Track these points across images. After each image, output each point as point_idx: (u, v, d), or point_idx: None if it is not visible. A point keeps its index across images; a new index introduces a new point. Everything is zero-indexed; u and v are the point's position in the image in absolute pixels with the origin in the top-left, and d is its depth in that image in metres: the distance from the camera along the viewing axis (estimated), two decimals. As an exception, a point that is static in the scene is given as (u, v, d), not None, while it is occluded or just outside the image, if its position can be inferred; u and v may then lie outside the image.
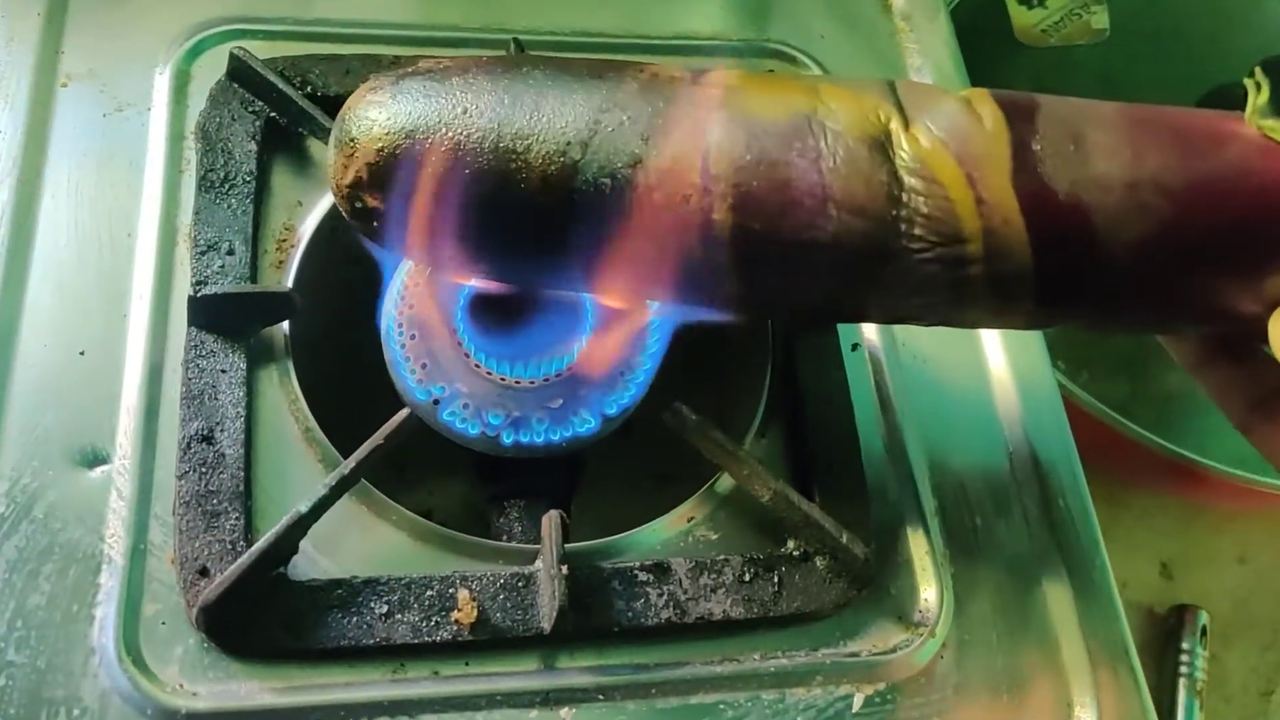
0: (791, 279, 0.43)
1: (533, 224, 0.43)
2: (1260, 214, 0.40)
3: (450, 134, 0.43)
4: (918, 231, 0.41)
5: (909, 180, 0.41)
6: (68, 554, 0.47)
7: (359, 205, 0.45)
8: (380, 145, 0.44)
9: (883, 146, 0.42)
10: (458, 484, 0.63)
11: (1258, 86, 0.42)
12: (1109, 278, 0.41)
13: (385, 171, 0.44)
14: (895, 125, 0.42)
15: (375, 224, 0.45)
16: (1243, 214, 0.40)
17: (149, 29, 0.60)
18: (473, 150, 0.43)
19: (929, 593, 0.52)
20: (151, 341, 0.51)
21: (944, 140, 0.41)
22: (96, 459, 0.49)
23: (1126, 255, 0.40)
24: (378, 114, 0.44)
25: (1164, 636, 0.80)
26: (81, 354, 0.51)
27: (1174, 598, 0.82)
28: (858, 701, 0.49)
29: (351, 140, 0.44)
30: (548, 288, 0.50)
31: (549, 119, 0.43)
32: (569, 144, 0.42)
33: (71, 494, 0.48)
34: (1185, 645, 0.79)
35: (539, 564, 0.49)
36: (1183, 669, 0.78)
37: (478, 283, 0.51)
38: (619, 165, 0.42)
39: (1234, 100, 0.81)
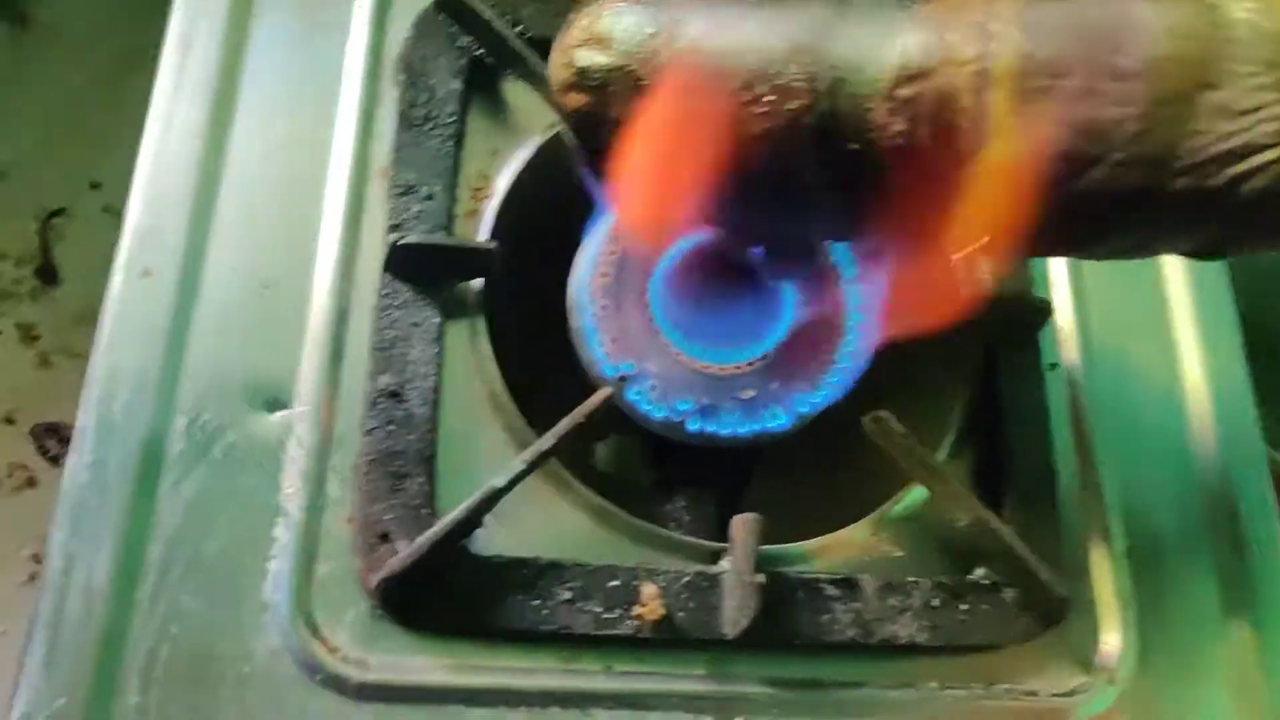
0: (1082, 123, 0.34)
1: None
2: None
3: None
4: (1248, 44, 0.33)
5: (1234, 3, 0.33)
6: (244, 501, 0.42)
7: (583, 64, 0.38)
8: (619, 18, 0.38)
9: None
10: (625, 457, 0.58)
11: None
12: None
13: (624, 37, 0.37)
14: None
15: (593, 99, 0.38)
16: None
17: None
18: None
19: (1112, 636, 0.47)
20: (340, 281, 0.47)
21: None
22: (277, 402, 0.44)
23: None
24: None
25: None
26: (266, 288, 0.46)
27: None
28: (1034, 744, 0.45)
29: (589, 15, 0.38)
30: (790, 232, 0.43)
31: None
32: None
33: (251, 437, 0.44)
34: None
35: (725, 564, 0.44)
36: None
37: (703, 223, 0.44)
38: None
39: None
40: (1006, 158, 0.35)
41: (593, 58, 0.37)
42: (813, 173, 0.37)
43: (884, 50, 0.36)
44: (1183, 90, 0.33)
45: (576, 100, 0.38)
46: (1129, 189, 0.35)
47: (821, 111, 0.36)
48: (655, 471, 0.51)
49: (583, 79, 0.38)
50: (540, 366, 0.49)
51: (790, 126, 0.36)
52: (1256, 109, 0.33)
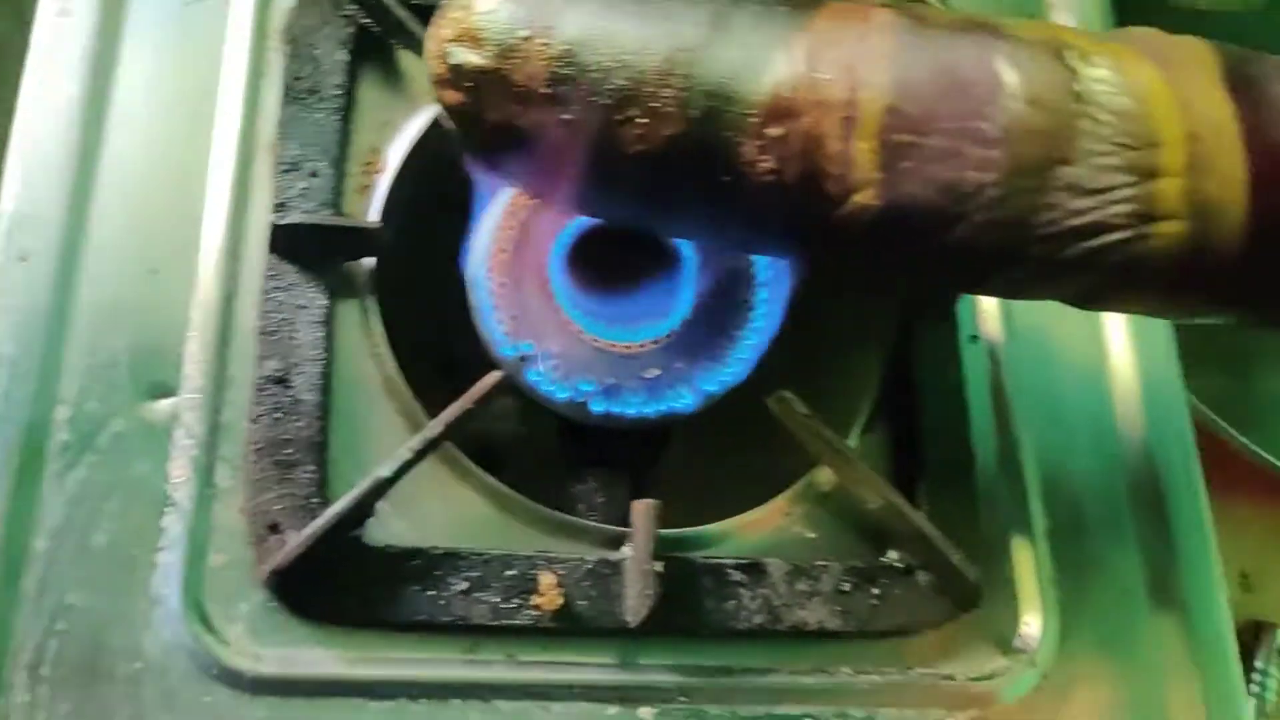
0: (943, 183, 0.37)
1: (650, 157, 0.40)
2: None
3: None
4: (1103, 123, 0.36)
5: (1094, 73, 0.37)
6: (132, 492, 0.46)
7: (457, 63, 0.40)
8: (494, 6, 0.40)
9: (1063, 53, 0.38)
10: (535, 441, 0.61)
11: None
12: None
13: (499, 33, 0.40)
14: (1079, 40, 0.38)
15: (470, 91, 0.41)
16: None
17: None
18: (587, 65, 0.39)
19: (1032, 618, 0.51)
20: (226, 263, 0.50)
21: (1139, 49, 0.37)
22: (164, 389, 0.47)
23: None
24: None
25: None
26: (151, 271, 0.49)
27: (1251, 610, 0.81)
28: (948, 727, 0.49)
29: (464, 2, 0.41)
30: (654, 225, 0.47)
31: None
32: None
33: (137, 425, 0.47)
34: (1258, 664, 0.78)
35: (627, 551, 0.48)
36: (1253, 688, 0.78)
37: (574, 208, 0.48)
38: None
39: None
40: (870, 207, 0.38)
41: (465, 56, 0.40)
42: (688, 190, 0.41)
43: (756, 81, 0.39)
44: (1039, 163, 0.37)
45: (452, 97, 0.41)
46: (992, 248, 0.39)
47: (694, 138, 0.39)
48: (565, 453, 0.55)
49: (456, 77, 0.40)
50: (442, 348, 0.52)
51: (664, 149, 0.39)
52: (1107, 189, 0.36)
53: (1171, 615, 0.53)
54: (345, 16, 0.54)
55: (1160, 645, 0.52)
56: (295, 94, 0.52)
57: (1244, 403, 0.83)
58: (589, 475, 0.54)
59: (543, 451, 0.55)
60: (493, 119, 0.40)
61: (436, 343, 0.52)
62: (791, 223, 0.40)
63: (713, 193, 0.40)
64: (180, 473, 0.46)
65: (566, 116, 0.40)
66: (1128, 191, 0.36)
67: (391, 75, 0.55)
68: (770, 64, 0.39)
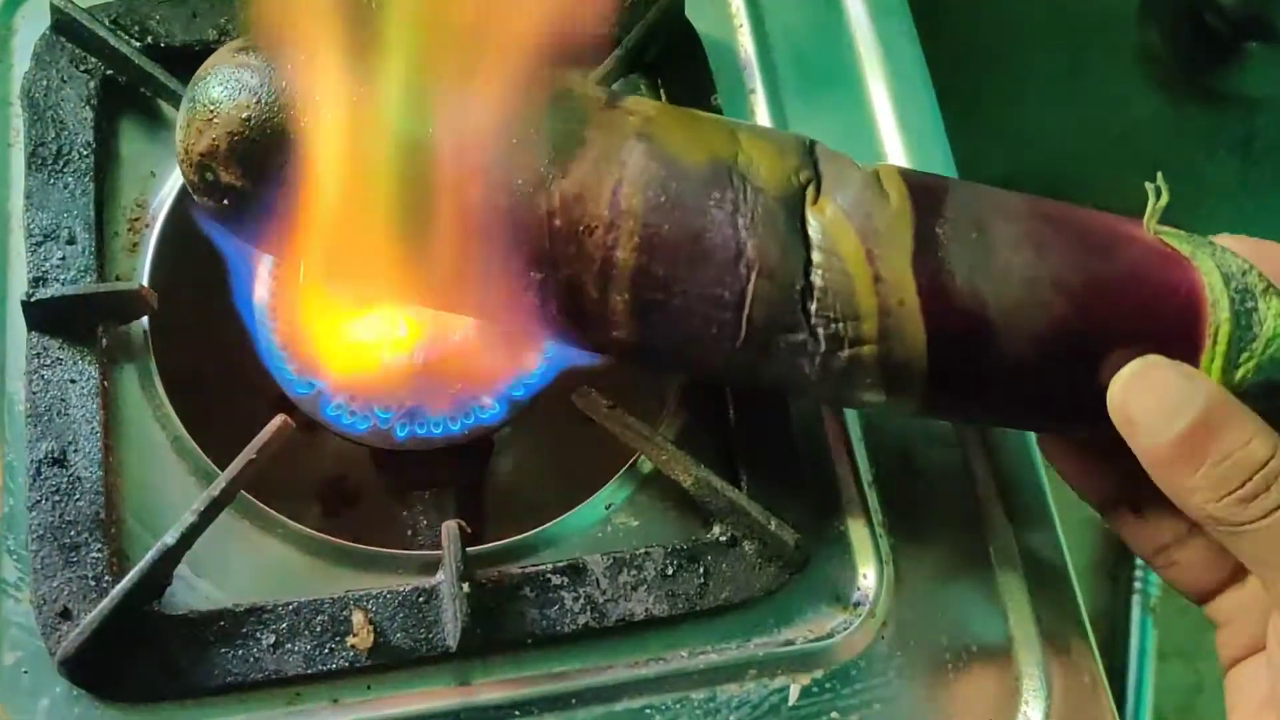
0: (688, 334, 0.42)
1: (418, 238, 0.40)
2: (1151, 319, 0.40)
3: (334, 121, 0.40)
4: (816, 304, 0.41)
5: (815, 251, 0.41)
6: (-87, 602, 0.43)
7: (210, 179, 0.41)
8: (248, 115, 0.40)
9: (797, 212, 0.41)
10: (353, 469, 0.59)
11: (1157, 193, 0.43)
12: (1002, 371, 0.41)
13: (253, 146, 0.40)
14: (810, 191, 0.41)
15: (229, 204, 0.41)
16: (1135, 317, 0.40)
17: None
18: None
19: (868, 569, 0.50)
20: (-10, 348, 0.47)
21: (848, 214, 0.41)
22: (-64, 489, 0.45)
23: (1021, 349, 0.40)
24: (249, 79, 0.40)
25: (1117, 553, 0.79)
26: (-90, 369, 0.46)
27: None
28: (794, 693, 0.47)
29: (213, 103, 0.40)
30: (425, 304, 0.47)
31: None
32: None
33: (-89, 531, 0.44)
34: (1139, 561, 0.78)
35: (441, 576, 0.46)
36: (1136, 584, 0.78)
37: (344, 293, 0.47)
38: (520, 182, 0.40)
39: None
40: (628, 341, 0.43)
41: (224, 176, 0.40)
42: None
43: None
44: (769, 328, 0.41)
45: (216, 208, 0.42)
46: (736, 376, 0.46)
47: None
48: (386, 479, 0.53)
49: (217, 194, 0.41)
50: (234, 396, 0.50)
51: None
52: (823, 353, 0.41)
53: (1008, 548, 0.52)
54: (86, 71, 0.50)
55: (999, 579, 0.51)
56: (40, 160, 0.49)
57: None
58: (414, 502, 0.52)
59: (362, 484, 0.53)
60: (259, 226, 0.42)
61: (231, 391, 0.49)
62: (564, 337, 0.45)
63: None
64: (-35, 572, 0.43)
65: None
66: (840, 354, 0.41)
67: (151, 124, 0.52)
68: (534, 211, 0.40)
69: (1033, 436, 0.53)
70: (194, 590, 0.45)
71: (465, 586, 0.44)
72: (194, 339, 0.50)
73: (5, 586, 0.44)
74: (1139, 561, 0.78)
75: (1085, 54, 0.80)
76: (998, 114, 0.71)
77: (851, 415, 0.53)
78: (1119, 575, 0.78)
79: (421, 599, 0.45)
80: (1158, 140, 0.77)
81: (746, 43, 0.60)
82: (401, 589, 0.45)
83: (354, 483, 0.61)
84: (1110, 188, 0.79)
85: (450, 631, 0.44)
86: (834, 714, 0.47)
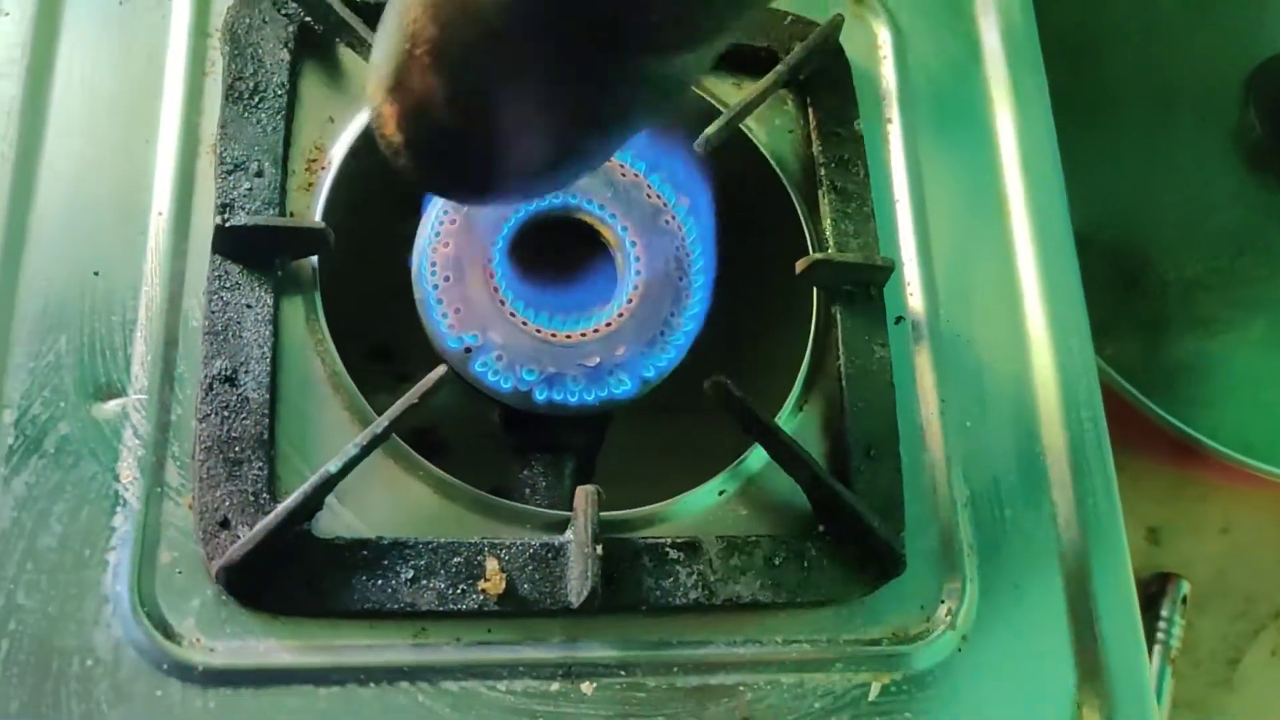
0: None
1: None
2: None
3: None
4: None
5: None
6: (80, 493, 0.44)
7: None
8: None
9: None
10: (480, 430, 0.61)
11: None
12: None
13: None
14: None
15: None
16: None
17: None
18: None
19: (953, 584, 0.52)
20: (170, 264, 0.48)
21: None
22: (111, 391, 0.46)
23: None
24: None
25: (1144, 601, 0.81)
26: (95, 274, 0.47)
27: (1157, 563, 0.83)
28: (874, 690, 0.49)
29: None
30: None
31: None
32: None
33: (84, 428, 0.45)
34: (1164, 613, 0.80)
35: (569, 535, 0.47)
36: (1159, 635, 0.80)
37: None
38: None
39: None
40: None
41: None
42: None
43: None
44: None
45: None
46: None
47: None
48: (510, 440, 0.54)
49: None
50: (388, 341, 0.51)
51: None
52: None
53: (1079, 575, 0.54)
54: (286, 15, 0.52)
55: (1069, 604, 0.53)
56: (238, 94, 0.50)
57: (1152, 369, 0.85)
58: (533, 461, 0.53)
59: (485, 440, 0.54)
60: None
61: (385, 336, 0.51)
62: None
63: None
64: (129, 473, 0.45)
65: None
66: None
67: (333, 72, 0.53)
68: None
69: (1114, 479, 0.55)
70: (337, 518, 0.46)
71: (599, 549, 0.45)
72: (356, 282, 0.51)
73: (168, 490, 0.45)
74: (1164, 612, 0.80)
75: (1179, 122, 0.81)
76: (1083, 167, 0.72)
77: (952, 433, 0.55)
78: (1145, 626, 0.80)
79: (550, 555, 0.47)
80: (1238, 219, 0.79)
81: (889, 74, 0.61)
82: (533, 543, 0.47)
83: (442, 435, 0.62)
84: (1182, 256, 0.81)
85: (575, 588, 0.46)
86: (908, 714, 0.49)
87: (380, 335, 0.53)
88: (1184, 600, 0.80)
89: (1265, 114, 0.77)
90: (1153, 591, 0.81)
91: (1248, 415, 0.76)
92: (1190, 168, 0.81)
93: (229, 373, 0.46)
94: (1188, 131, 0.82)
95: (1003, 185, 0.61)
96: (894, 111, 0.61)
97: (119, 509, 0.44)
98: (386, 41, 0.37)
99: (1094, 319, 0.60)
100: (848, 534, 0.50)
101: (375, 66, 0.37)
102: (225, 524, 0.44)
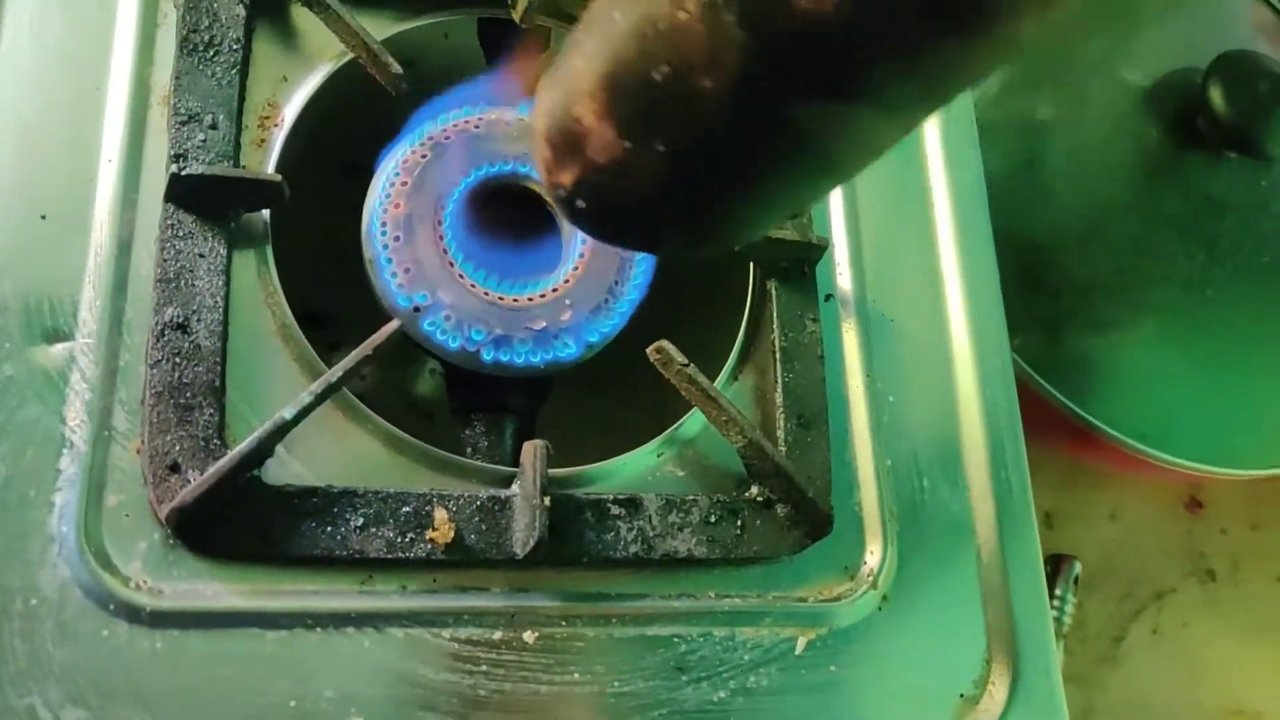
0: None
1: None
2: None
3: None
4: None
5: None
6: (25, 434, 0.44)
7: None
8: None
9: None
10: (428, 383, 0.61)
11: None
12: None
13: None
14: None
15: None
16: None
17: None
18: None
19: (875, 547, 0.55)
20: (121, 210, 0.48)
21: None
22: (58, 334, 0.46)
23: None
24: None
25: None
26: (43, 218, 0.47)
27: (1052, 546, 0.88)
28: (800, 644, 0.51)
29: None
30: None
31: None
32: None
33: (29, 371, 0.45)
34: (1058, 592, 0.85)
35: (516, 489, 0.48)
36: (1053, 613, 0.84)
37: None
38: None
39: (1187, 85, 0.83)
40: None
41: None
42: None
43: None
44: None
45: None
46: None
47: None
48: (455, 399, 0.55)
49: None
50: (337, 295, 0.52)
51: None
52: None
53: (990, 545, 0.57)
54: (241, -29, 0.52)
55: (982, 572, 0.56)
56: (192, 46, 0.50)
57: (1053, 362, 0.88)
58: (477, 420, 0.54)
59: (434, 398, 0.55)
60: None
61: (334, 291, 0.51)
62: None
63: None
64: (76, 416, 0.45)
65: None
66: None
67: (287, 32, 0.54)
68: None
69: (1024, 453, 0.59)
70: (284, 467, 0.47)
71: (546, 501, 0.47)
72: (307, 237, 0.51)
73: (115, 434, 0.45)
74: (1059, 591, 0.85)
75: (1083, 131, 0.86)
76: (991, 168, 0.75)
77: (876, 406, 0.57)
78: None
79: (497, 507, 0.48)
80: (1136, 223, 0.84)
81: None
82: (481, 495, 0.48)
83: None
84: (1083, 256, 0.86)
85: (521, 540, 0.47)
86: (832, 668, 0.52)
87: (314, 301, 0.53)
88: (1076, 580, 0.85)
89: (1161, 126, 0.82)
90: (1048, 572, 0.85)
91: (1140, 407, 0.81)
92: (1093, 174, 0.86)
93: (181, 320, 0.46)
94: (1091, 139, 0.86)
95: (927, 178, 0.64)
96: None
97: (65, 451, 0.44)
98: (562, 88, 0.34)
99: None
100: (779, 496, 0.52)
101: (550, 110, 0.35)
102: (175, 468, 0.44)
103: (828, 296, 0.59)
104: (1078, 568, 0.86)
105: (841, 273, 0.60)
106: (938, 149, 0.65)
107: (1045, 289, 0.85)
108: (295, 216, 0.51)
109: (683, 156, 0.33)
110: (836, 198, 0.61)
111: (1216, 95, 0.79)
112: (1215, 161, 0.82)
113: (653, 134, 0.32)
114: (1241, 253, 0.84)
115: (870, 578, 0.54)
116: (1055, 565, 0.86)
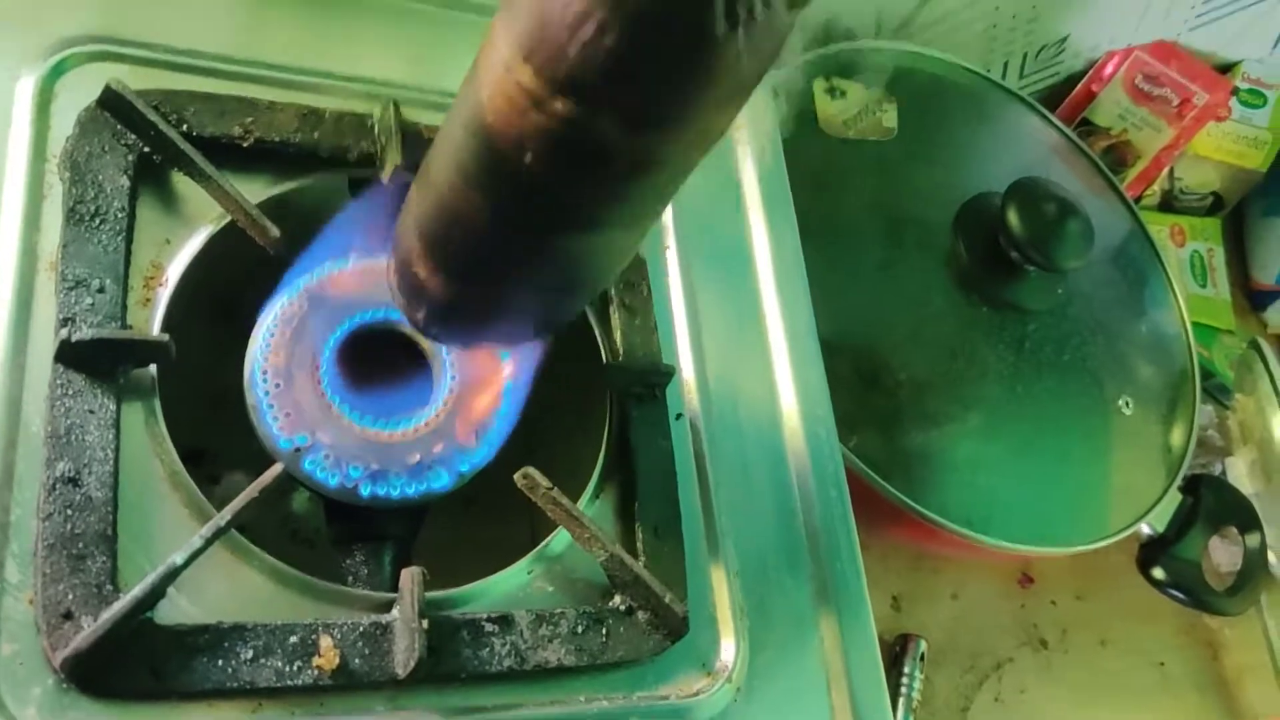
0: None
1: None
2: None
3: None
4: None
5: None
6: (-81, 591, 0.46)
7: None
8: None
9: None
10: (308, 517, 0.64)
11: None
12: None
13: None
14: None
15: None
16: None
17: (7, 35, 0.57)
18: None
19: (728, 643, 0.59)
20: (10, 372, 0.50)
21: None
22: (-51, 493, 0.48)
23: None
24: None
25: (889, 660, 0.92)
26: (-66, 382, 0.49)
27: (900, 627, 0.94)
28: (665, 740, 0.56)
29: None
30: None
31: None
32: None
33: (-77, 529, 0.47)
34: (906, 669, 0.91)
35: (395, 613, 0.52)
36: (903, 689, 0.90)
37: None
38: None
39: (988, 208, 0.93)
40: None
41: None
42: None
43: None
44: None
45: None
46: None
47: None
48: (335, 529, 0.58)
49: None
50: (223, 441, 0.55)
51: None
52: None
53: (832, 626, 0.62)
54: (126, 145, 0.56)
55: (825, 651, 0.62)
56: (79, 216, 0.53)
57: (890, 457, 0.96)
58: (356, 549, 0.58)
59: (314, 530, 0.58)
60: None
61: (221, 433, 0.54)
62: None
63: None
64: (-31, 570, 0.47)
65: None
66: None
67: (169, 197, 0.57)
68: None
69: (856, 544, 0.65)
70: (175, 606, 0.49)
71: (424, 623, 0.50)
72: (192, 388, 0.54)
73: (7, 586, 0.47)
74: (906, 669, 0.91)
75: (904, 248, 0.95)
76: (828, 284, 0.83)
77: (724, 513, 0.63)
78: (890, 680, 0.90)
79: (378, 632, 0.51)
80: (953, 329, 0.93)
81: (666, 211, 0.70)
82: (363, 621, 0.51)
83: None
84: (910, 360, 0.94)
85: (402, 661, 0.50)
86: (694, 759, 0.56)
87: (192, 440, 0.56)
88: (922, 657, 0.91)
89: (969, 245, 0.92)
90: (896, 651, 0.92)
91: (968, 495, 0.88)
92: (913, 287, 0.95)
93: (72, 474, 0.49)
94: (911, 256, 0.95)
95: (760, 301, 0.71)
96: (671, 240, 0.70)
97: (-41, 606, 0.46)
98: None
99: (840, 413, 0.70)
100: (640, 604, 0.57)
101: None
102: (68, 616, 0.46)
103: (678, 415, 0.64)
104: (923, 645, 0.92)
105: (689, 393, 0.65)
106: (769, 273, 0.72)
107: (879, 389, 0.93)
108: (180, 363, 0.55)
109: (494, 284, 0.46)
110: (682, 327, 0.67)
111: (1013, 217, 0.89)
112: (1017, 274, 0.92)
113: (466, 274, 0.45)
114: (1044, 352, 0.94)
115: (725, 672, 0.59)
116: (903, 644, 0.92)
